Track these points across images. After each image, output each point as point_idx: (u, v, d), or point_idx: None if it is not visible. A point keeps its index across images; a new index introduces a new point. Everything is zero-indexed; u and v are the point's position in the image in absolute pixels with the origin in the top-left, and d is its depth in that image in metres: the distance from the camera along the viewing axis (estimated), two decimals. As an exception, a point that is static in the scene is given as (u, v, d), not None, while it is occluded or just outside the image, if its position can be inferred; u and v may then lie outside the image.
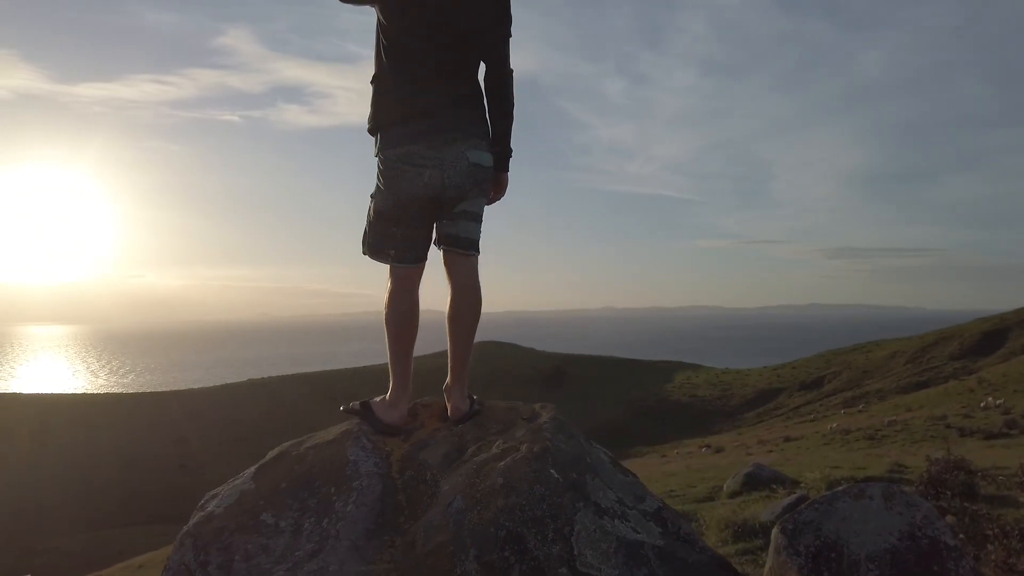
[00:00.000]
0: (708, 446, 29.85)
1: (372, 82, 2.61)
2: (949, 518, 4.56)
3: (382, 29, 2.56)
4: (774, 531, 3.49)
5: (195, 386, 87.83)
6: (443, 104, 2.53)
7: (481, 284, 2.68)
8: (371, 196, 2.64)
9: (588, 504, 2.09)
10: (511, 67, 2.67)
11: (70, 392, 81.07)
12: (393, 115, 2.54)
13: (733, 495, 7.08)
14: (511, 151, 2.72)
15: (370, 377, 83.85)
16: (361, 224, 2.68)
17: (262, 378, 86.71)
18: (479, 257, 2.70)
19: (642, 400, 76.01)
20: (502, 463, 2.16)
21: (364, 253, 2.65)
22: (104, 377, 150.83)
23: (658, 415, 69.72)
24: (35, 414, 55.82)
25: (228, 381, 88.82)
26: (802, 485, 6.82)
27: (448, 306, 2.66)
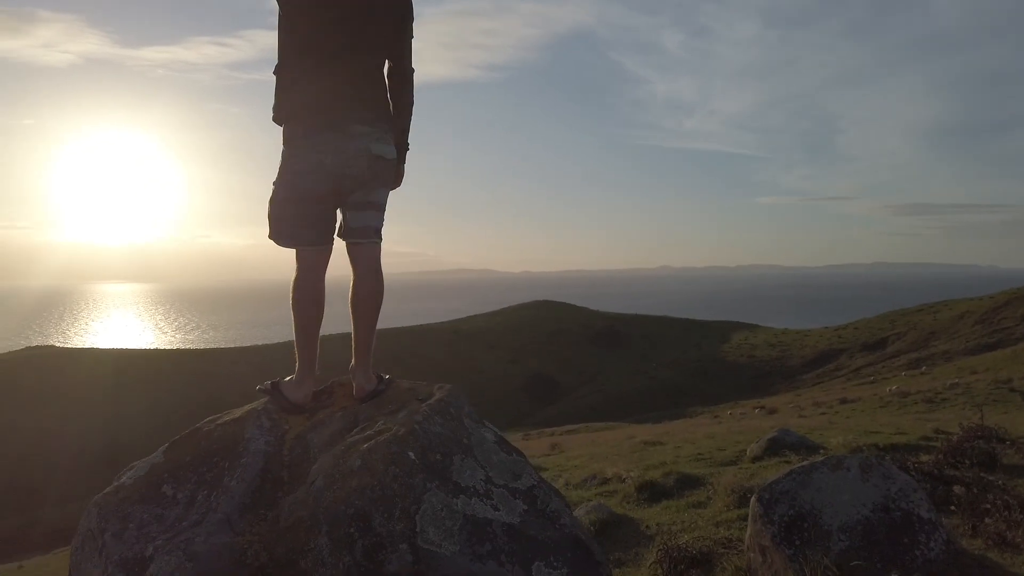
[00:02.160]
0: (762, 407, 29.53)
1: (275, 72, 2.69)
2: (957, 488, 4.51)
3: (286, 23, 2.64)
4: (752, 499, 3.53)
5: (259, 343, 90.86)
6: (348, 99, 2.62)
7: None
8: (273, 183, 2.72)
9: (446, 483, 2.20)
10: (412, 66, 2.78)
11: (141, 348, 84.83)
12: (298, 108, 2.63)
13: (754, 460, 7.09)
14: (408, 146, 2.85)
15: (431, 336, 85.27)
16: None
17: (322, 335, 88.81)
18: (381, 244, 2.81)
19: (699, 360, 75.28)
20: (366, 445, 2.27)
21: (269, 237, 2.73)
22: (171, 334, 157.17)
23: (715, 375, 69.05)
24: (110, 368, 58.63)
25: (290, 338, 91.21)
26: (821, 451, 6.75)
27: (350, 292, 2.77)
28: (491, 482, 2.28)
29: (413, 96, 2.80)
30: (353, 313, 2.78)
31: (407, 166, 2.88)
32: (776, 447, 7.18)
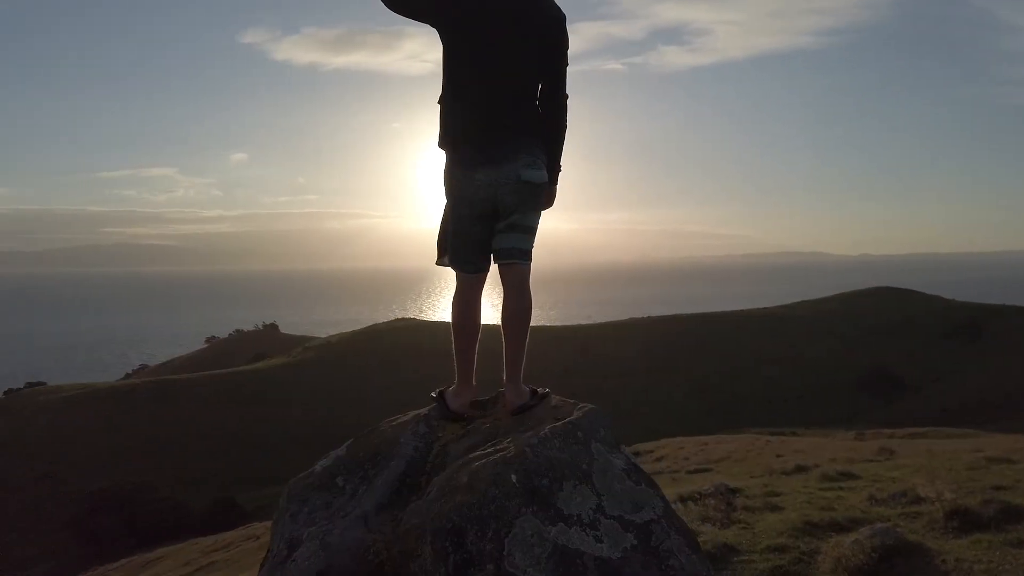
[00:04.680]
0: None
1: (439, 102, 2.86)
2: None
3: (445, 52, 2.80)
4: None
5: (585, 322, 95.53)
6: (500, 129, 2.72)
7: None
8: (444, 209, 2.93)
9: (546, 509, 2.21)
10: (567, 92, 2.82)
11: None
12: (455, 135, 2.79)
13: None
14: (560, 168, 2.90)
15: (752, 323, 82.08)
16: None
17: (643, 317, 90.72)
18: (531, 265, 2.87)
19: (1093, 362, 62.13)
20: (477, 463, 2.35)
21: (436, 262, 2.96)
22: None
23: (1116, 383, 56.43)
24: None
25: (612, 319, 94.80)
26: None
27: (501, 311, 2.86)
28: (602, 511, 2.25)
29: (566, 121, 2.86)
30: (503, 331, 2.88)
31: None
32: None
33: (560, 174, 2.96)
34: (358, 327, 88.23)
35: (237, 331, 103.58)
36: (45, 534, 36.82)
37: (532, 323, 2.92)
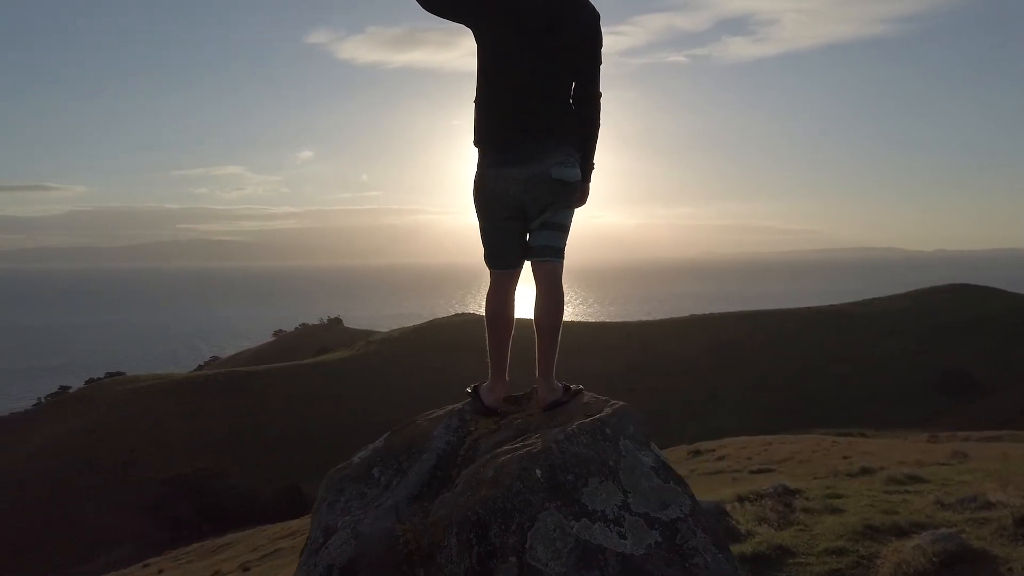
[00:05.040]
0: None
1: (474, 102, 2.87)
2: None
3: (478, 52, 2.82)
4: None
5: (646, 318, 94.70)
6: (533, 127, 2.72)
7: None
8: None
9: (570, 505, 2.23)
10: (600, 90, 2.80)
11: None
12: (488, 135, 2.81)
13: None
14: (594, 166, 2.91)
15: (816, 320, 79.87)
16: None
17: (704, 314, 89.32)
18: (563, 263, 2.89)
19: None
20: (504, 458, 2.39)
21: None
22: (571, 307, 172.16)
23: None
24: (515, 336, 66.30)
25: (674, 315, 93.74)
26: None
27: (533, 308, 2.87)
28: (627, 508, 2.25)
29: (599, 119, 2.85)
30: (536, 328, 2.89)
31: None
32: None
33: (593, 172, 2.95)
34: (419, 321, 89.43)
35: (303, 325, 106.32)
36: (124, 518, 38.58)
37: (590, 319, 2.94)
